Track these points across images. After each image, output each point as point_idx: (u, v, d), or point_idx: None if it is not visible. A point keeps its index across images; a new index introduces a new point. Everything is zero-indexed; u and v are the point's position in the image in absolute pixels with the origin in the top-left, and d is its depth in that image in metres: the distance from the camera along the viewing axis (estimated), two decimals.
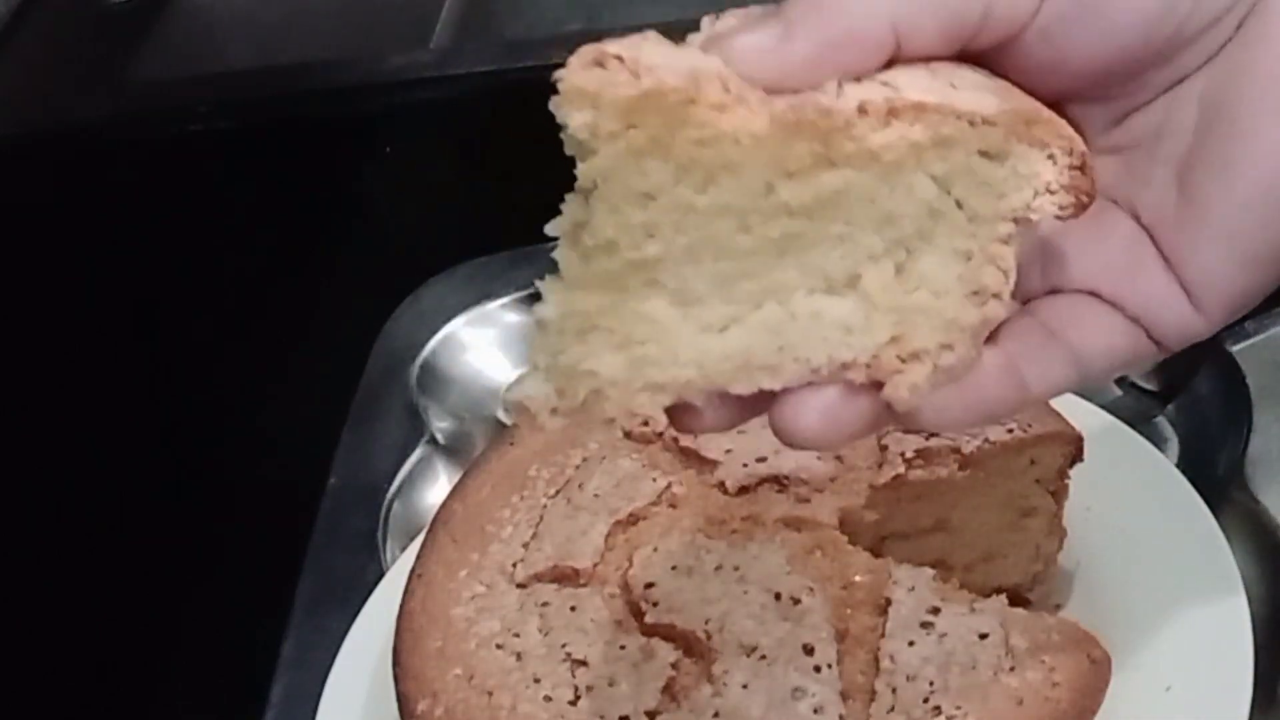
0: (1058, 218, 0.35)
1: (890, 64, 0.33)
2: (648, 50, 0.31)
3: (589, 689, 0.51)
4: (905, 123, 0.32)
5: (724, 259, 0.32)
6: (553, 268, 0.32)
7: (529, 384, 0.33)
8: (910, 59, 0.33)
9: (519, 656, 0.53)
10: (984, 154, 0.33)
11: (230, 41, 1.06)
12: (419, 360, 0.79)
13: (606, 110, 0.30)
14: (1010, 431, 0.57)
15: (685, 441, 0.58)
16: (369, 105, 0.95)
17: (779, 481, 0.56)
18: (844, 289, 0.34)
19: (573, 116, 0.30)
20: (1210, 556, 0.56)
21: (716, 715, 0.49)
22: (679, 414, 0.34)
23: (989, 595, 0.53)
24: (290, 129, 0.94)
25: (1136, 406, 0.67)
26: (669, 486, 0.57)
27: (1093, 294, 0.37)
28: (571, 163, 0.31)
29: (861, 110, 0.32)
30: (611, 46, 0.30)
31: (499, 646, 0.53)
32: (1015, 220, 0.34)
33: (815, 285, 0.33)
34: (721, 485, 0.57)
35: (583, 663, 0.52)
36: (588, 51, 0.30)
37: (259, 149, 0.94)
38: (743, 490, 0.56)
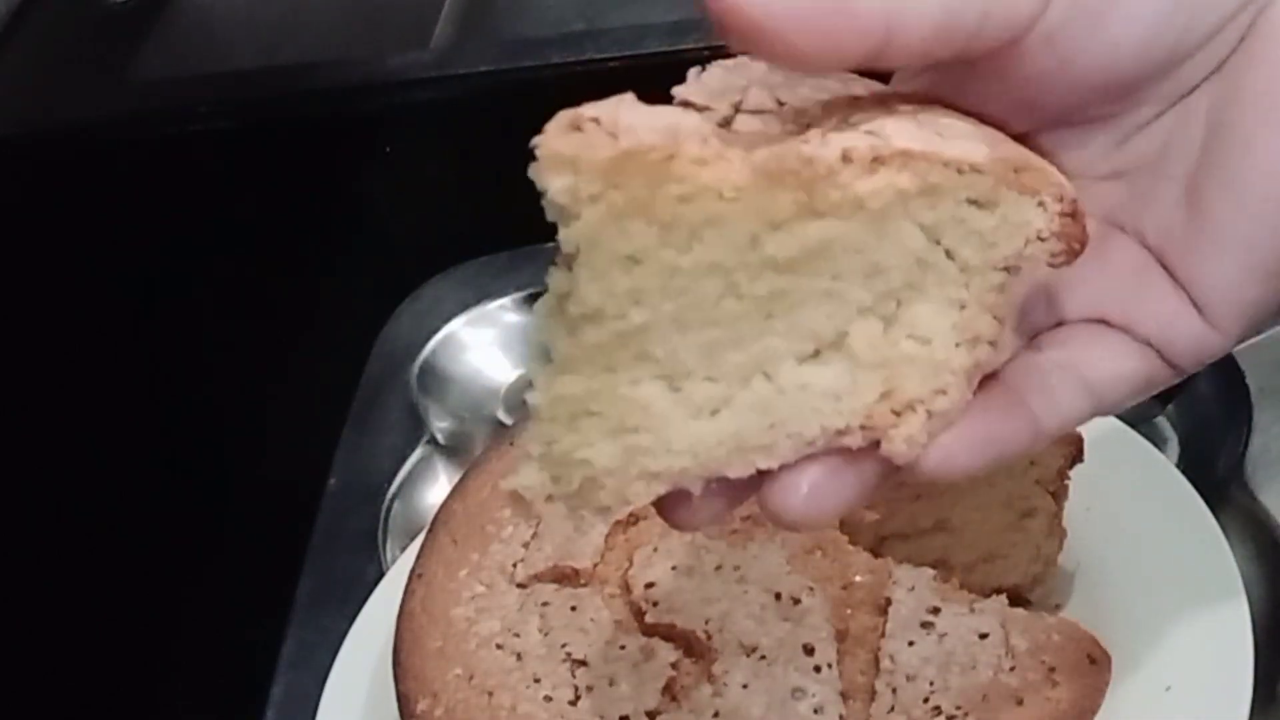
0: (1050, 265, 0.34)
1: (877, 108, 0.33)
2: (625, 111, 0.30)
3: (589, 689, 0.51)
4: (892, 170, 0.31)
5: (711, 326, 0.32)
6: (543, 356, 0.32)
7: (524, 474, 0.33)
8: (898, 61, 0.33)
9: (519, 656, 0.53)
10: (973, 202, 0.33)
11: (230, 41, 1.06)
12: (419, 360, 0.79)
13: (586, 173, 0.29)
14: None
15: None
16: (369, 105, 0.94)
17: None
18: (830, 351, 0.33)
19: (552, 182, 0.29)
20: (1210, 556, 0.56)
21: (716, 715, 0.49)
22: (671, 508, 0.34)
23: (989, 595, 0.53)
24: (290, 129, 0.94)
25: (1136, 406, 0.67)
26: None
27: (1101, 321, 0.37)
28: None
29: (845, 158, 0.31)
30: (588, 110, 0.30)
31: (499, 646, 0.53)
32: (1007, 269, 0.34)
33: (802, 350, 0.33)
34: None
35: (583, 663, 0.52)
36: (564, 117, 0.29)
37: (259, 149, 0.94)
38: None
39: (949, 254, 0.33)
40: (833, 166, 0.31)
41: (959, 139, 0.33)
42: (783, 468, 0.34)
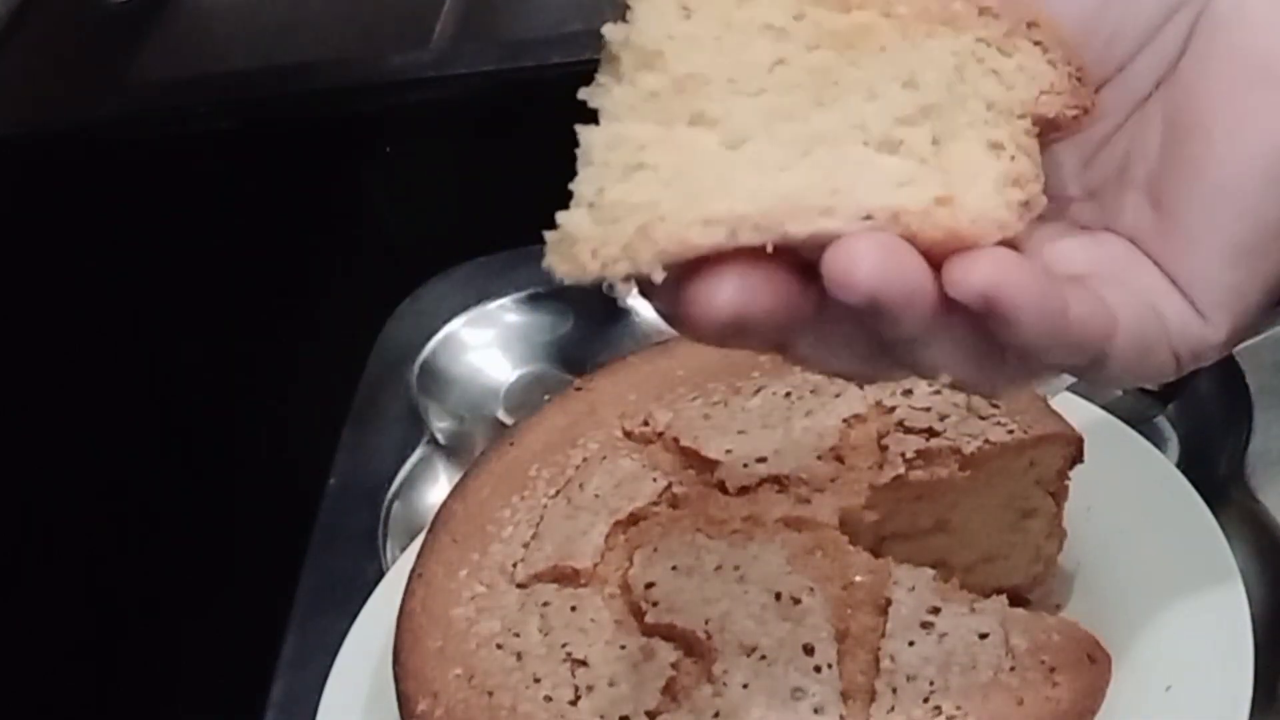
0: (1063, 121, 0.35)
1: None
2: None
3: (589, 689, 0.51)
4: None
5: (767, 93, 0.32)
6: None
7: (573, 217, 0.31)
8: None
9: (519, 656, 0.53)
10: (990, 44, 0.34)
11: (230, 42, 1.06)
12: (419, 360, 0.79)
13: None
14: (1010, 432, 0.57)
15: (685, 442, 0.58)
16: (369, 105, 0.95)
17: (779, 481, 0.56)
18: (891, 146, 0.33)
19: None
20: (1210, 557, 0.56)
21: (716, 715, 0.49)
22: (695, 290, 0.31)
23: (989, 596, 0.53)
24: (290, 129, 0.94)
25: (1136, 406, 0.67)
26: (669, 486, 0.57)
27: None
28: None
29: None
30: None
31: (499, 646, 0.53)
32: (1029, 117, 0.35)
33: (856, 137, 0.33)
34: (722, 485, 0.57)
35: (583, 663, 0.52)
36: None
37: (259, 149, 0.94)
38: (743, 490, 0.56)
39: (975, 90, 0.34)
40: None
41: None
42: (855, 236, 0.32)
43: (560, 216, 0.31)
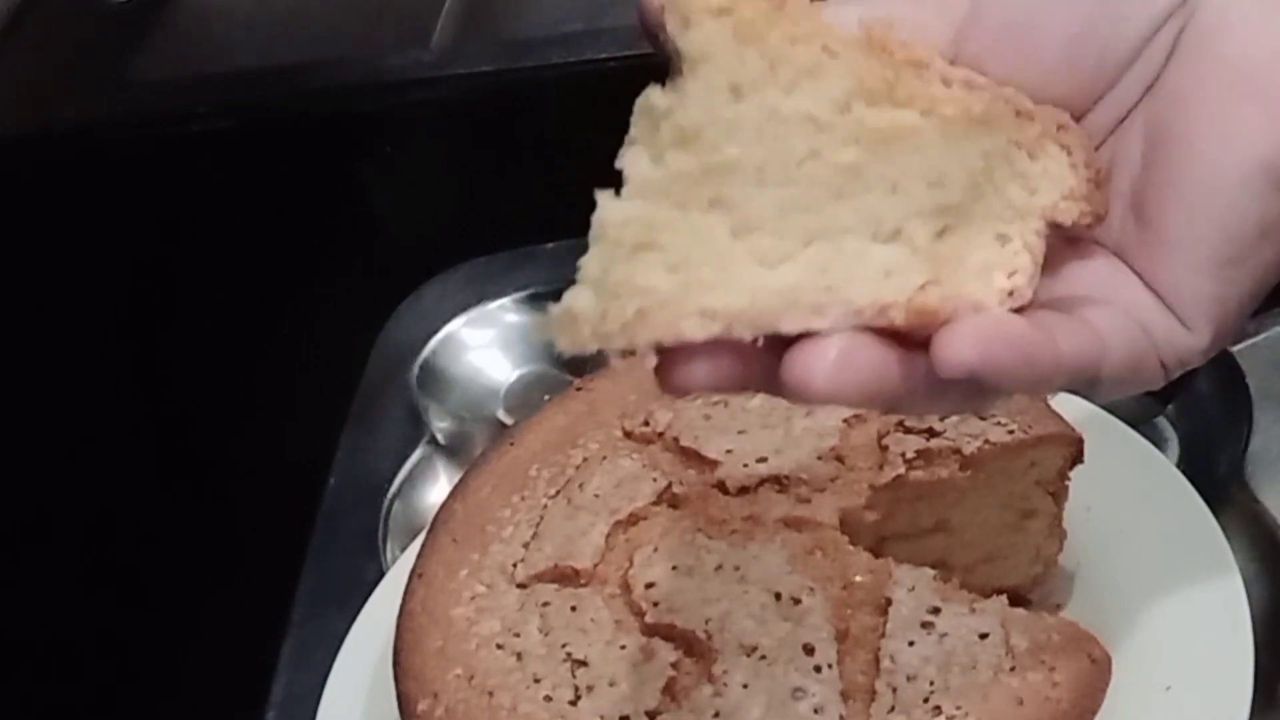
0: (1076, 224, 0.36)
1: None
2: None
3: (589, 689, 0.51)
4: (963, 89, 0.34)
5: (790, 185, 0.33)
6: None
7: (578, 295, 0.32)
8: None
9: (519, 656, 0.53)
10: (1020, 146, 0.35)
11: (230, 41, 1.06)
12: (419, 360, 0.79)
13: None
14: (1011, 433, 0.57)
15: (685, 442, 0.58)
16: (369, 105, 0.95)
17: (779, 481, 0.56)
18: (889, 238, 0.35)
19: None
20: (1210, 557, 0.56)
21: (716, 715, 0.49)
22: (673, 364, 0.34)
23: (989, 596, 0.53)
24: (291, 129, 0.95)
25: (1136, 406, 0.67)
26: (669, 486, 0.57)
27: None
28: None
29: (929, 64, 0.34)
30: None
31: (499, 646, 0.53)
32: (1043, 219, 0.36)
33: (865, 230, 0.34)
34: (722, 485, 0.57)
35: (583, 663, 0.52)
36: None
37: (259, 149, 0.94)
38: (743, 490, 0.56)
39: (996, 189, 0.35)
40: (921, 60, 0.34)
41: (1010, 88, 0.36)
42: (796, 340, 0.34)
43: (566, 294, 0.32)
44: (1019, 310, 0.36)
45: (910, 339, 0.34)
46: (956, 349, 0.33)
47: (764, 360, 0.34)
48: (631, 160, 0.32)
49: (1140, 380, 0.37)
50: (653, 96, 0.32)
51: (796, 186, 0.33)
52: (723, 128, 0.32)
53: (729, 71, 0.32)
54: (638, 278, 0.32)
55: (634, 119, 0.32)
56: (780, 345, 0.34)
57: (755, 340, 0.33)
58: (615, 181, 0.32)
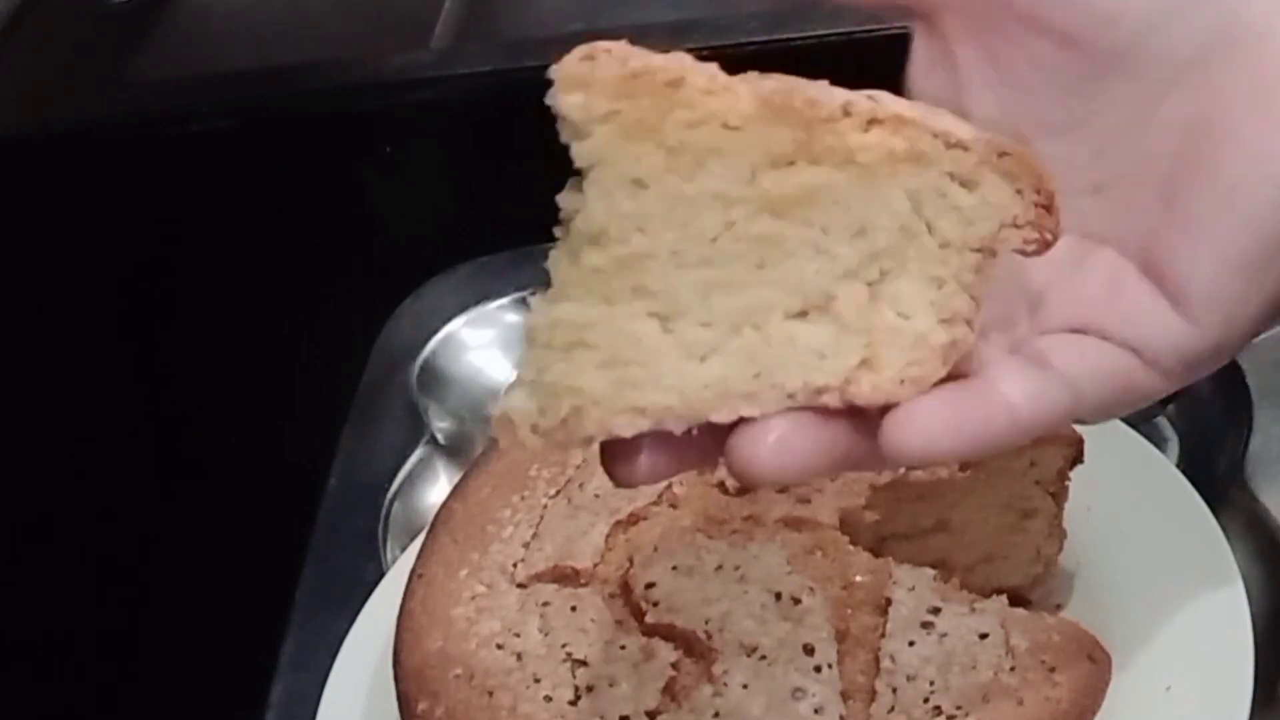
0: (1022, 252, 0.35)
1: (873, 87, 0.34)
2: (638, 50, 0.32)
3: (589, 689, 0.51)
4: (886, 131, 0.33)
5: (707, 265, 0.33)
6: (544, 281, 0.33)
7: (514, 397, 0.34)
8: None
9: (519, 656, 0.53)
10: (955, 178, 0.34)
11: (230, 41, 1.06)
12: (419, 360, 0.79)
13: (598, 90, 0.31)
14: None
15: None
16: (369, 105, 0.94)
17: None
18: (818, 312, 0.34)
19: (565, 99, 0.31)
20: (1210, 556, 0.56)
21: (716, 715, 0.49)
22: (614, 459, 0.35)
23: (989, 596, 0.53)
24: (291, 129, 0.94)
25: None
26: (669, 486, 0.57)
27: (1079, 331, 0.37)
28: (573, 163, 0.32)
29: (846, 111, 0.33)
30: (603, 43, 0.32)
31: (499, 646, 0.53)
32: (982, 250, 0.35)
33: (791, 306, 0.34)
34: (722, 485, 0.57)
35: (583, 663, 0.52)
36: (581, 48, 0.31)
37: (259, 149, 0.94)
38: (743, 490, 0.56)
39: (930, 227, 0.34)
40: (834, 113, 0.33)
41: (950, 119, 0.35)
42: (737, 425, 0.34)
43: (504, 396, 0.34)
44: (965, 358, 0.35)
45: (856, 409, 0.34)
46: (902, 441, 0.34)
47: (708, 444, 0.34)
48: (553, 261, 0.33)
49: (1130, 404, 0.38)
50: (561, 199, 0.32)
51: (715, 264, 0.33)
52: (628, 220, 0.32)
53: (626, 169, 0.32)
54: (570, 378, 0.33)
55: (557, 228, 0.33)
56: (724, 428, 0.34)
57: (690, 430, 0.34)
58: None
